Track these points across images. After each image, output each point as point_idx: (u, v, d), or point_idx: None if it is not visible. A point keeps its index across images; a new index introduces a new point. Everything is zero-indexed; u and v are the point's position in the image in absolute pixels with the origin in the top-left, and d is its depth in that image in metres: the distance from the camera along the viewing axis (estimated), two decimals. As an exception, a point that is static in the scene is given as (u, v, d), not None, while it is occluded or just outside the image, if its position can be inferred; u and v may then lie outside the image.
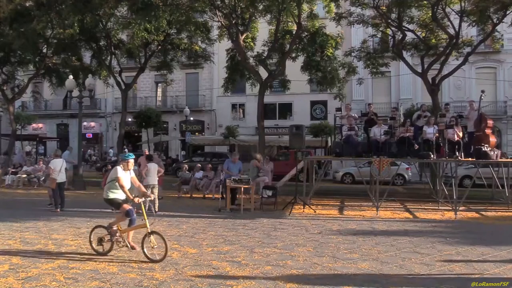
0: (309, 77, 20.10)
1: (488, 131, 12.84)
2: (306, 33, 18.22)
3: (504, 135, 28.61)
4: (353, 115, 14.37)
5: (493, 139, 12.96)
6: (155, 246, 6.32)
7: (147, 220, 6.40)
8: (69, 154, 17.08)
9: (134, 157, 6.91)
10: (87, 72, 20.74)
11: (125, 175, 6.73)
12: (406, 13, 17.64)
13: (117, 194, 6.75)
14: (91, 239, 6.87)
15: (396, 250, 7.39)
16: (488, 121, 12.94)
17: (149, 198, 6.56)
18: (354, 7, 18.44)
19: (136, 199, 6.47)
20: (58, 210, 11.52)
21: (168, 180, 16.71)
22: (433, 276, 5.85)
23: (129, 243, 6.75)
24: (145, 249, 6.41)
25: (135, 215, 6.68)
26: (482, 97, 13.13)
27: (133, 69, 25.03)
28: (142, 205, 6.62)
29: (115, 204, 6.77)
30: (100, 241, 6.75)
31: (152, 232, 6.41)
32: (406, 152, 12.73)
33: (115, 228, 6.72)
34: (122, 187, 6.58)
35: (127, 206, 6.62)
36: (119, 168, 6.70)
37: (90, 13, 17.62)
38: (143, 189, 6.97)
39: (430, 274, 5.97)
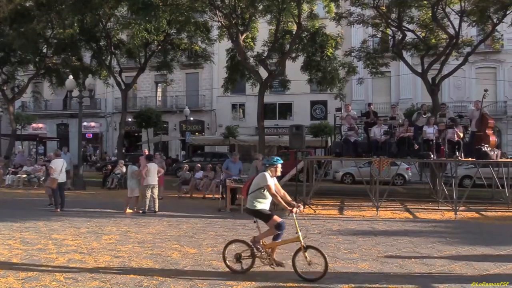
0: (309, 77, 20.11)
1: (489, 131, 12.83)
2: (306, 33, 18.23)
3: (504, 135, 28.60)
4: (352, 114, 14.37)
5: (493, 139, 12.95)
6: (311, 263, 5.53)
7: (300, 233, 5.64)
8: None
9: (282, 161, 6.02)
10: (87, 72, 20.76)
11: (273, 182, 5.86)
12: (406, 13, 17.65)
13: (265, 205, 5.88)
14: (226, 256, 6.01)
15: (396, 250, 7.38)
16: (489, 121, 12.92)
17: (300, 209, 5.74)
18: (354, 7, 18.45)
19: (294, 210, 5.62)
20: (58, 210, 11.52)
21: (168, 180, 16.71)
22: (433, 276, 5.85)
23: (274, 259, 5.84)
24: (297, 266, 5.62)
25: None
26: (485, 97, 13.12)
27: (133, 69, 25.04)
28: (295, 217, 5.67)
29: (263, 216, 5.82)
30: (239, 257, 5.87)
31: (308, 247, 5.63)
32: (406, 152, 12.73)
33: (260, 243, 5.84)
34: (274, 196, 5.74)
35: (278, 218, 5.76)
36: (267, 175, 5.77)
37: (90, 13, 17.63)
38: (288, 197, 5.97)
39: (430, 274, 5.97)
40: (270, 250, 5.86)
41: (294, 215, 5.65)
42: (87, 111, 30.78)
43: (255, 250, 5.82)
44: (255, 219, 5.93)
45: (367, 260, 6.63)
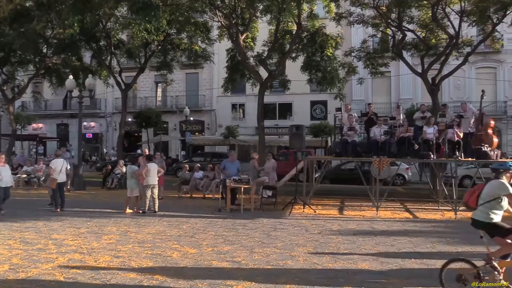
0: (309, 77, 20.10)
1: (490, 131, 12.80)
2: (306, 33, 18.21)
3: (504, 135, 28.59)
4: (353, 115, 14.37)
5: (495, 140, 12.93)
6: None
7: None
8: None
9: None
10: (87, 72, 20.75)
11: None
12: (406, 13, 17.65)
13: (500, 217, 5.09)
14: (443, 276, 5.19)
15: (396, 250, 7.38)
16: (490, 122, 12.89)
17: None
18: (354, 7, 18.45)
19: None
20: (58, 210, 11.53)
21: (168, 180, 16.71)
22: (433, 276, 5.83)
23: (504, 281, 4.95)
24: None
25: None
26: (483, 97, 13.10)
27: (133, 69, 25.02)
28: None
29: (500, 230, 5.00)
30: (462, 280, 5.06)
31: None
32: (406, 152, 12.72)
33: (496, 262, 5.00)
34: None
35: None
36: (506, 183, 4.98)
37: (90, 13, 17.62)
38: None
39: (430, 273, 5.95)
40: (501, 269, 5.08)
41: None
42: (87, 111, 30.78)
43: (481, 272, 5.01)
44: (481, 234, 5.14)
45: (367, 260, 6.63)
